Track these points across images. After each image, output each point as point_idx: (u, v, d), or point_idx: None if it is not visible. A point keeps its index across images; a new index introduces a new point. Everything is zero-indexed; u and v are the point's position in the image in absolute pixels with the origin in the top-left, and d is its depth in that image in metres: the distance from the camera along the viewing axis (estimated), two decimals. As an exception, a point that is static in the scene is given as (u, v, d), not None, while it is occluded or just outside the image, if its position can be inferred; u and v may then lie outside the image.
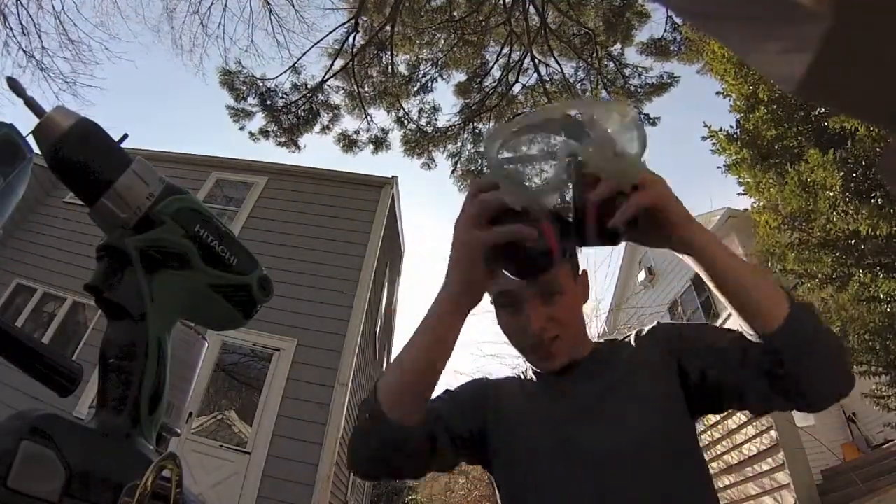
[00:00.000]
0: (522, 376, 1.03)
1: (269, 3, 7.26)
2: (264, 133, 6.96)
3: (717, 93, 7.17)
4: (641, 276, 12.53)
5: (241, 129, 6.93)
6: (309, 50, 6.88)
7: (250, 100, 6.82)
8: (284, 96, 6.87)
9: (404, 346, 0.78)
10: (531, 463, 0.87)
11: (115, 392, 0.43)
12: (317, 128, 7.07)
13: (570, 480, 0.83)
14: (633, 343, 0.97)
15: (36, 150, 0.49)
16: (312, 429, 6.11)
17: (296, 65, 6.82)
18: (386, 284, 10.29)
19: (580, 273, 0.99)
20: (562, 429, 0.88)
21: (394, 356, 0.85)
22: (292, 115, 6.87)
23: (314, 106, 6.95)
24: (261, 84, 6.80)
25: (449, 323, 0.75)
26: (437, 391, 0.90)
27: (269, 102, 6.78)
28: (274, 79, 6.83)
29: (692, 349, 0.86)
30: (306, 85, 6.89)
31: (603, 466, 0.81)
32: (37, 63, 7.26)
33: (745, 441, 5.96)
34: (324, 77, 6.84)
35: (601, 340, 1.03)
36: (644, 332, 0.97)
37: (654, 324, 0.99)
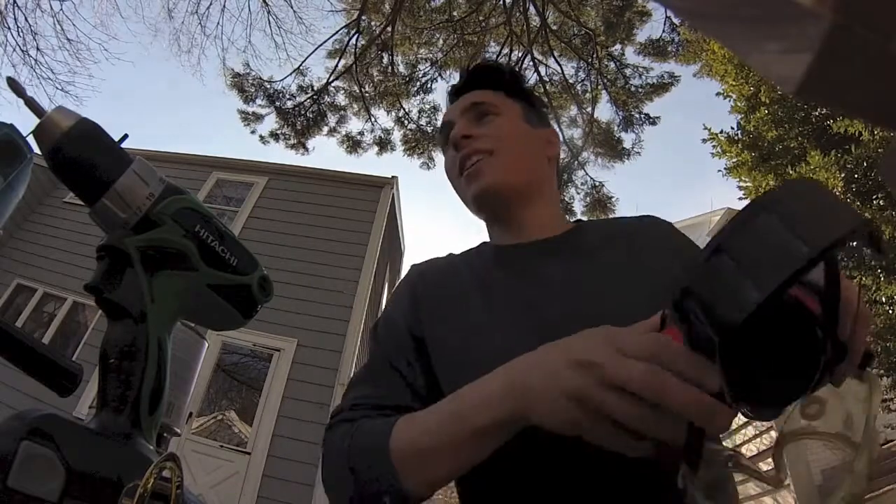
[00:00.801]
0: (477, 255, 0.80)
1: (267, 4, 7.27)
2: (275, 136, 6.96)
3: (718, 94, 7.18)
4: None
5: (252, 132, 6.94)
6: (314, 52, 6.89)
7: (259, 101, 6.83)
8: (292, 98, 6.87)
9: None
10: (475, 342, 0.65)
11: (116, 392, 0.43)
12: (324, 129, 7.08)
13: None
14: (641, 234, 0.75)
15: (36, 150, 0.49)
16: (312, 429, 6.11)
17: (301, 67, 6.83)
18: (386, 284, 10.29)
19: (545, 127, 0.86)
20: (518, 306, 0.67)
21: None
22: (302, 116, 6.87)
23: (321, 107, 6.95)
24: (268, 86, 6.81)
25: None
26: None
27: (278, 104, 6.79)
28: (280, 81, 6.85)
29: None
30: (312, 87, 6.90)
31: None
32: (33, 63, 7.27)
33: (745, 441, 5.96)
34: (328, 79, 6.85)
35: (583, 219, 0.85)
36: (664, 236, 0.76)
37: (676, 233, 0.78)
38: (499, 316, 0.67)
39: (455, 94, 0.88)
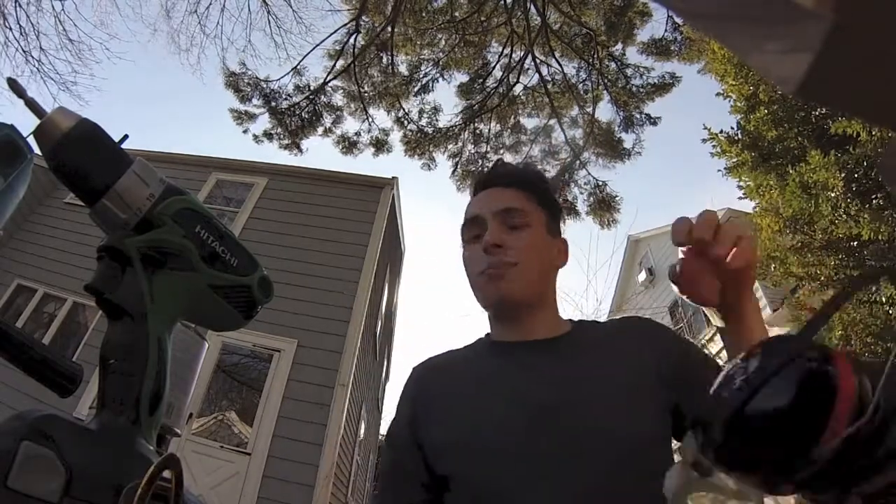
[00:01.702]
0: (473, 350, 0.91)
1: (266, 4, 7.27)
2: (268, 135, 6.95)
3: (718, 94, 7.17)
4: (642, 276, 12.54)
5: (245, 132, 6.92)
6: (311, 51, 6.89)
7: (254, 101, 6.82)
8: (288, 98, 6.86)
9: None
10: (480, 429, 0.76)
11: (116, 393, 0.43)
12: (319, 130, 7.07)
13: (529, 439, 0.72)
14: (620, 332, 0.87)
15: (37, 150, 0.49)
16: (313, 430, 6.11)
17: (298, 66, 6.82)
18: (386, 285, 10.29)
19: (560, 237, 0.93)
20: (506, 392, 0.77)
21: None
22: (296, 117, 6.86)
23: (317, 107, 6.94)
24: (264, 86, 6.80)
25: None
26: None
27: (273, 104, 6.77)
28: (277, 80, 6.84)
29: (693, 394, 0.72)
30: (309, 86, 6.89)
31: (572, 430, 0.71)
32: (36, 64, 7.27)
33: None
34: (325, 78, 6.84)
35: (574, 319, 0.93)
36: (639, 328, 0.88)
37: (653, 323, 0.90)
38: (487, 402, 0.78)
39: (485, 184, 0.93)
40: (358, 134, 7.24)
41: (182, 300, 0.49)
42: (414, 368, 0.93)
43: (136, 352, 0.45)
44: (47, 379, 0.47)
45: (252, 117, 6.88)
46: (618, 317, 0.94)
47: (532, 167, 1.07)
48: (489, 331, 0.93)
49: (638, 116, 6.81)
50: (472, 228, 0.89)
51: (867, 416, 0.27)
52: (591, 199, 7.01)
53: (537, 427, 0.71)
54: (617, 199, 6.93)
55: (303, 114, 6.89)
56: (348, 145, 7.21)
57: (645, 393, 0.74)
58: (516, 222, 0.85)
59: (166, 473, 0.36)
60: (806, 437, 0.27)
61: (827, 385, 0.28)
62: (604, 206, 6.90)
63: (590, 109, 6.98)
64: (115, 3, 10.34)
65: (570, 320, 0.91)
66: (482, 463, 0.72)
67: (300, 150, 7.09)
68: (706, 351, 0.83)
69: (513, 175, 0.94)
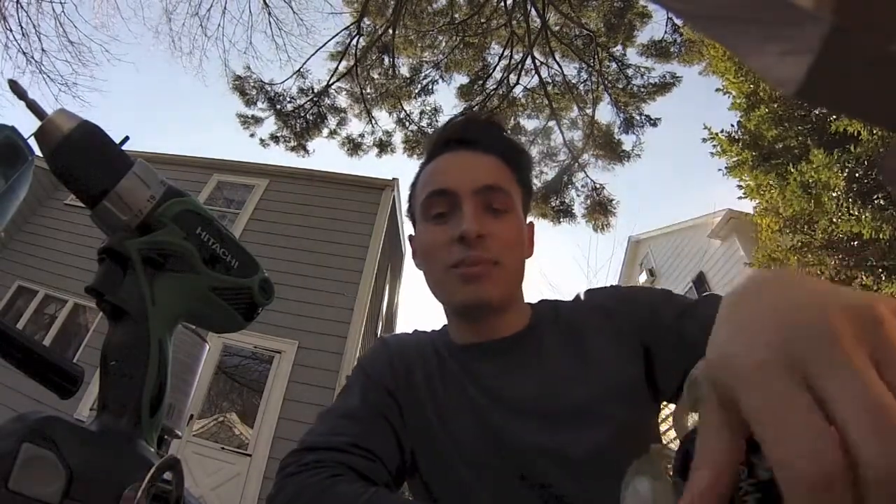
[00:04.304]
0: (434, 346, 0.77)
1: (267, 6, 7.28)
2: (275, 139, 6.98)
3: (717, 89, 7.18)
4: (643, 277, 12.53)
5: (252, 136, 6.96)
6: (314, 54, 6.92)
7: (260, 104, 6.86)
8: (292, 100, 6.89)
9: None
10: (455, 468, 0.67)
11: (117, 394, 0.43)
12: (325, 132, 7.10)
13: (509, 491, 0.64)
14: (586, 309, 0.76)
15: (37, 152, 0.49)
16: (314, 431, 6.11)
17: (301, 69, 6.85)
18: (387, 286, 10.29)
19: (529, 220, 0.80)
20: (466, 405, 0.69)
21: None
22: (301, 119, 6.89)
23: (321, 110, 6.97)
24: (269, 89, 6.83)
25: None
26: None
27: (278, 107, 6.81)
28: (281, 83, 6.87)
29: (669, 344, 0.66)
30: (312, 89, 6.92)
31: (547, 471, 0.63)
32: (36, 65, 7.28)
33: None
34: (329, 81, 6.86)
35: (534, 303, 0.80)
36: (603, 298, 0.76)
37: (614, 289, 0.79)
38: (449, 412, 0.70)
39: (460, 141, 0.76)
40: (362, 135, 7.26)
41: (183, 302, 0.49)
42: (384, 337, 0.82)
43: (137, 353, 0.45)
44: (48, 380, 0.47)
45: (258, 121, 6.92)
46: (582, 292, 0.79)
47: (503, 127, 0.84)
48: (448, 326, 0.80)
49: (638, 117, 6.81)
50: (439, 204, 0.72)
51: None
52: (588, 201, 7.00)
53: (503, 452, 0.65)
54: (614, 202, 6.92)
55: (307, 116, 6.91)
56: (353, 146, 7.23)
57: (612, 380, 0.67)
58: (498, 205, 0.71)
59: (167, 475, 0.36)
60: None
61: None
62: (600, 210, 6.89)
63: (589, 111, 6.98)
64: (116, 6, 10.36)
65: (529, 305, 0.79)
66: (453, 488, 0.67)
67: (306, 152, 7.14)
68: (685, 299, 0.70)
69: (495, 138, 0.76)
